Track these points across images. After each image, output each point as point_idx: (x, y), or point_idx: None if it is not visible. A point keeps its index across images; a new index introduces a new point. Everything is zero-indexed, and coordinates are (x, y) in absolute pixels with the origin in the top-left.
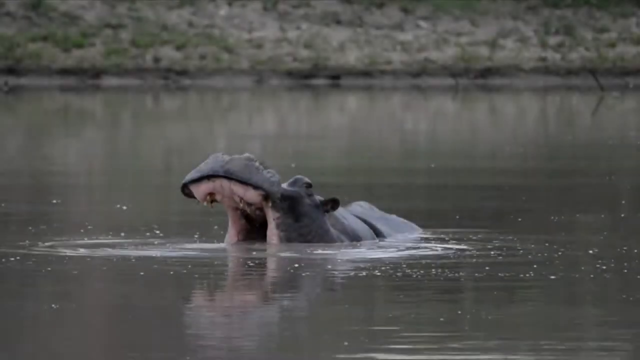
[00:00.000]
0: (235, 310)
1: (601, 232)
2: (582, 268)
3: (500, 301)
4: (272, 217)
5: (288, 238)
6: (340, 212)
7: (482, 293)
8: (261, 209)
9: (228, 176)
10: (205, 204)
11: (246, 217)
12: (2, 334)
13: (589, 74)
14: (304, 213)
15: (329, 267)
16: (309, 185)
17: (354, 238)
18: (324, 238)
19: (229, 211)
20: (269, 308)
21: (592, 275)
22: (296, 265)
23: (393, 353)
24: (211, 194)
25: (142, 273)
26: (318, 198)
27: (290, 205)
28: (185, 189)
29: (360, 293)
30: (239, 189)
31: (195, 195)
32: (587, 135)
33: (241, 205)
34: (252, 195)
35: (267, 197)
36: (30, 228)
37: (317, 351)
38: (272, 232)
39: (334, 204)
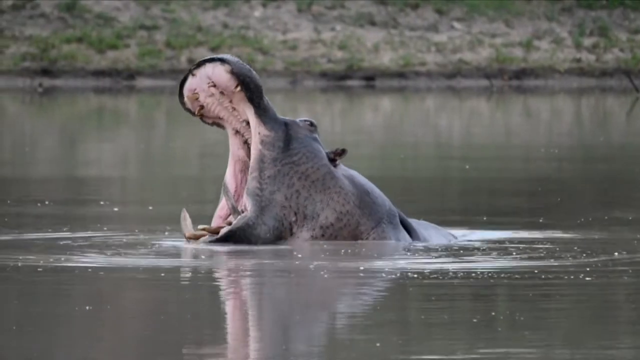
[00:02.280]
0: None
1: (637, 232)
2: (618, 269)
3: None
4: (255, 128)
5: (272, 159)
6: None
7: (519, 295)
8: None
9: (201, 63)
10: (196, 115)
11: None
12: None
13: (623, 75)
14: (295, 137)
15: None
16: (311, 124)
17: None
18: (316, 163)
19: (230, 138)
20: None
21: (625, 277)
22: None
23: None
24: (193, 94)
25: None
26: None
27: (284, 131)
28: (180, 98)
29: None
30: (209, 69)
31: (185, 99)
32: (622, 137)
33: (221, 99)
34: (220, 72)
35: (235, 74)
36: (65, 229)
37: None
38: (254, 145)
39: (342, 152)
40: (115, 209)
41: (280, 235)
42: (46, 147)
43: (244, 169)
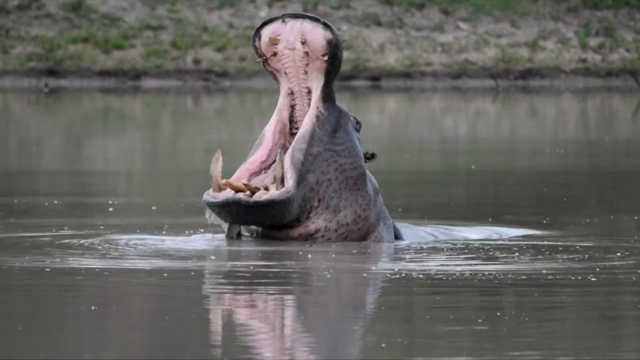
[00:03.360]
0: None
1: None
2: (624, 270)
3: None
4: (316, 102)
5: (319, 138)
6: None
7: (523, 296)
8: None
9: (301, 16)
10: (262, 58)
11: (291, 118)
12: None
13: (629, 75)
14: (343, 127)
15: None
16: (358, 122)
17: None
18: (356, 161)
19: (281, 96)
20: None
21: (633, 278)
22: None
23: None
24: (275, 39)
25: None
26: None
27: (336, 117)
28: (257, 37)
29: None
30: (308, 25)
31: (262, 39)
32: (628, 137)
33: (302, 58)
34: (319, 35)
35: (331, 44)
36: (70, 228)
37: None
38: (309, 116)
39: (372, 156)
40: (120, 209)
41: (299, 216)
42: (52, 148)
43: (282, 130)
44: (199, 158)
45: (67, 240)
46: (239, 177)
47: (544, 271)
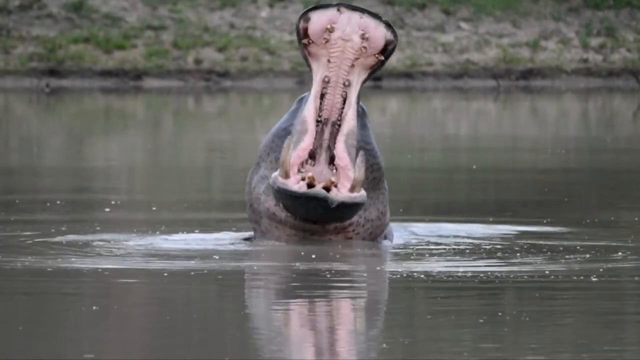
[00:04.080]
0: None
1: None
2: (625, 270)
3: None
4: (356, 96)
5: (356, 135)
6: None
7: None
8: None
9: (361, 10)
10: (306, 40)
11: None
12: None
13: (630, 75)
14: (366, 124)
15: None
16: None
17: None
18: (380, 161)
19: (316, 82)
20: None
21: (636, 278)
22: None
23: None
24: (331, 28)
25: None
26: None
27: (361, 112)
28: (304, 19)
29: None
30: (370, 23)
31: (313, 24)
32: (629, 137)
33: (356, 51)
34: (381, 34)
35: (390, 45)
36: (72, 229)
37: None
38: (353, 111)
39: None
40: (121, 209)
41: None
42: (53, 148)
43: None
44: (200, 158)
45: (69, 240)
46: (292, 164)
47: (547, 271)
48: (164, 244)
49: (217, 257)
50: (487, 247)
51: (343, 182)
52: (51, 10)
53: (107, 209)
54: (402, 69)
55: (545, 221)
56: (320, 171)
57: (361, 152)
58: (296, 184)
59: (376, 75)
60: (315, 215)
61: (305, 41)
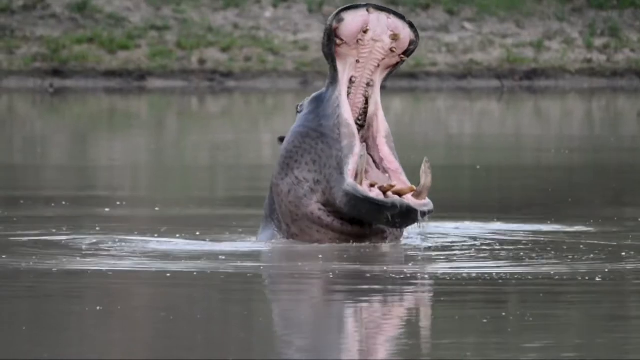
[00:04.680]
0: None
1: None
2: (629, 270)
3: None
4: (379, 98)
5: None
6: None
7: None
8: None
9: (387, 10)
10: (338, 40)
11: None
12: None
13: (634, 75)
14: None
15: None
16: None
17: None
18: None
19: (344, 83)
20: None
21: None
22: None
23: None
24: (364, 29)
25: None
26: None
27: None
28: (336, 19)
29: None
30: (398, 23)
31: (348, 25)
32: (633, 137)
33: (385, 51)
34: (407, 34)
35: (413, 45)
36: (76, 230)
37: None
38: (382, 112)
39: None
40: (124, 210)
41: None
42: (57, 148)
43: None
44: (204, 158)
45: (71, 240)
46: (359, 170)
47: (552, 272)
48: (171, 246)
49: (223, 257)
50: (493, 248)
51: (361, 178)
52: (55, 11)
53: (108, 209)
54: (405, 69)
55: (549, 221)
56: (376, 176)
57: (425, 159)
58: (373, 192)
59: None
60: (391, 223)
61: (338, 41)
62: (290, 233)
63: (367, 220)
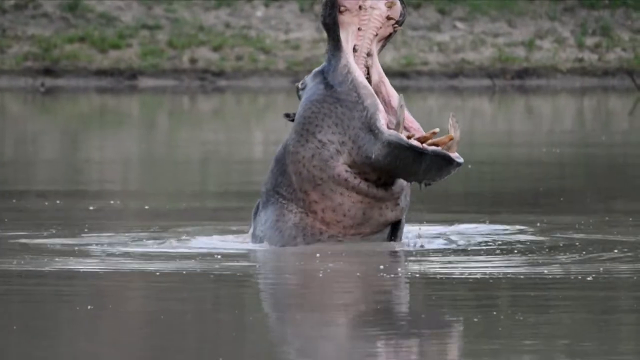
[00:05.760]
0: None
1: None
2: (621, 270)
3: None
4: (380, 67)
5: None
6: None
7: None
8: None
9: None
10: (341, 7)
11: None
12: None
13: (625, 74)
14: None
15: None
16: None
17: None
18: None
19: (348, 45)
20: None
21: (632, 279)
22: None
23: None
24: None
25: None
26: None
27: None
28: None
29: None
30: None
31: None
32: (624, 136)
33: (382, 20)
34: (399, 4)
35: (403, 14)
36: (65, 229)
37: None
38: (387, 81)
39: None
40: (115, 209)
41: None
42: (48, 147)
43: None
44: (195, 158)
45: (61, 240)
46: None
47: (545, 271)
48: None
49: (219, 257)
50: (485, 248)
51: (401, 129)
52: (46, 10)
53: (92, 207)
54: (397, 68)
55: (538, 223)
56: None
57: (452, 113)
58: (413, 142)
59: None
60: (424, 175)
61: (342, 8)
62: (309, 201)
63: (400, 174)
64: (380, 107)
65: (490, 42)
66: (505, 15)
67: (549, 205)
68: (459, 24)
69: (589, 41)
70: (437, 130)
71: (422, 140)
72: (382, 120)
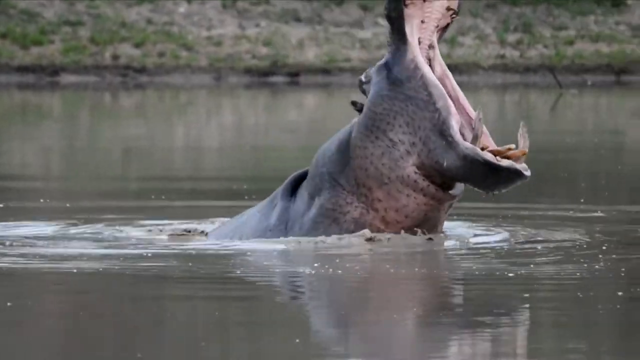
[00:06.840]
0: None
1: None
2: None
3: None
4: (442, 61)
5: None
6: None
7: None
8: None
9: None
10: (409, 1)
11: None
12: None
13: (547, 71)
14: None
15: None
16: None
17: None
18: None
19: (414, 39)
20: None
21: (597, 270)
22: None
23: None
24: None
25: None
26: None
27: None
28: None
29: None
30: None
31: None
32: (545, 133)
33: (443, 11)
34: None
35: (459, 5)
36: None
37: None
38: (451, 76)
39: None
40: (37, 205)
41: None
42: None
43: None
44: (116, 154)
45: None
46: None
47: (536, 273)
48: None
49: (149, 255)
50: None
51: (478, 143)
52: None
53: (3, 204)
54: (319, 65)
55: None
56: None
57: (522, 122)
58: (488, 156)
59: (293, 71)
60: (493, 187)
61: (407, 2)
62: (372, 198)
63: (469, 183)
64: (453, 109)
65: None
66: None
67: (473, 207)
68: (381, 21)
69: (511, 38)
70: (512, 146)
71: (495, 153)
72: (455, 125)
